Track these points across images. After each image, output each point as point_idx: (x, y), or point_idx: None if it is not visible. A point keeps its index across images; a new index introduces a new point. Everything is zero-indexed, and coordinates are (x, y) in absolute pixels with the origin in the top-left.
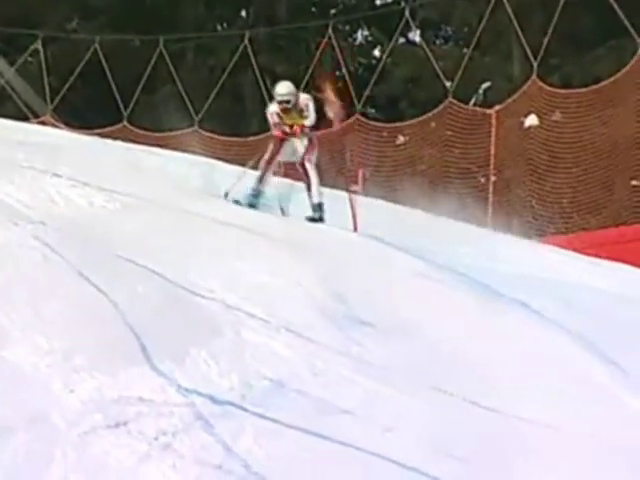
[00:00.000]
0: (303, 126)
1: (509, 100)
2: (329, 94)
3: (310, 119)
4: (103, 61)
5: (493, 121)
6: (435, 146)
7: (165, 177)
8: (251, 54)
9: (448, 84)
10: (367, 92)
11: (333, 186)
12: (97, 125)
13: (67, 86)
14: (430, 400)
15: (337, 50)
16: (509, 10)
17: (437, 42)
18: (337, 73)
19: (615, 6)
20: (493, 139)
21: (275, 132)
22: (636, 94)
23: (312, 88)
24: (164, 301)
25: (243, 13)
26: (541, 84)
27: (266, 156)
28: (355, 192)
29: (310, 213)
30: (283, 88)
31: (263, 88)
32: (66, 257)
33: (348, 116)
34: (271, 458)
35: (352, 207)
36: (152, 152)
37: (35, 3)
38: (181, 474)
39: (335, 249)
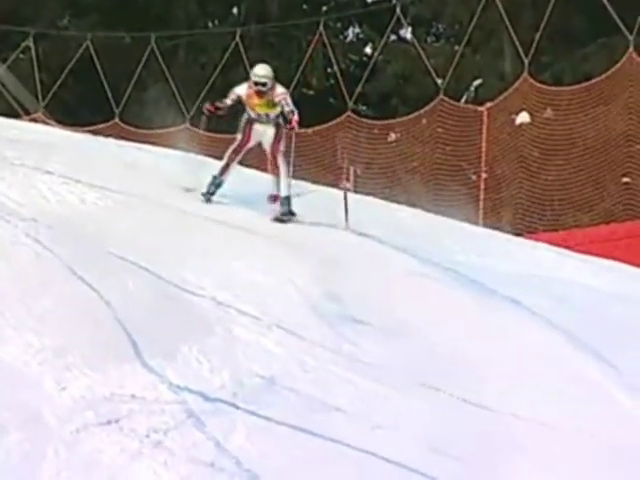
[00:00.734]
0: (292, 121)
1: (500, 97)
2: None
3: (290, 111)
4: (95, 58)
5: (484, 118)
6: (426, 143)
7: (157, 174)
8: (242, 51)
9: (439, 81)
10: (358, 89)
11: (324, 183)
12: (89, 122)
13: (58, 83)
14: (423, 398)
15: (329, 47)
16: (500, 7)
17: (428, 39)
18: (328, 70)
19: (606, 3)
20: (484, 136)
21: (207, 107)
22: (627, 91)
23: (303, 85)
24: (156, 299)
25: (234, 10)
26: (532, 81)
27: (233, 146)
28: (347, 189)
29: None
30: (262, 70)
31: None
32: (58, 254)
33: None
34: (262, 455)
35: (345, 203)
36: (144, 149)
37: (26, 0)
38: (173, 471)
39: (329, 247)
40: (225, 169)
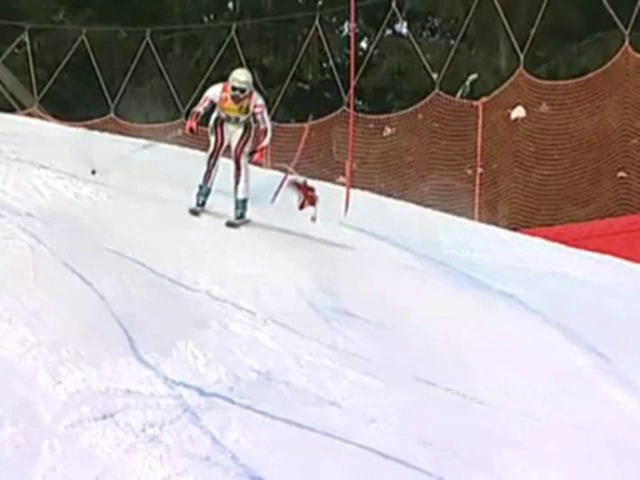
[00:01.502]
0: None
1: (496, 92)
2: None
3: (264, 129)
4: (90, 53)
5: (480, 113)
6: (422, 138)
7: (152, 169)
8: (238, 46)
9: (435, 76)
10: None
11: (319, 177)
12: (84, 117)
13: (54, 78)
14: (418, 393)
15: (324, 42)
16: (496, 2)
17: (424, 34)
18: (324, 65)
19: None
20: (480, 131)
21: (190, 123)
22: (623, 86)
23: (298, 79)
24: (151, 293)
25: (230, 5)
26: (528, 76)
27: (209, 151)
28: (289, 172)
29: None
30: (243, 76)
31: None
32: (53, 249)
33: (335, 108)
34: (258, 449)
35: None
36: (139, 144)
37: None
38: (168, 466)
39: (324, 242)
40: (208, 176)
